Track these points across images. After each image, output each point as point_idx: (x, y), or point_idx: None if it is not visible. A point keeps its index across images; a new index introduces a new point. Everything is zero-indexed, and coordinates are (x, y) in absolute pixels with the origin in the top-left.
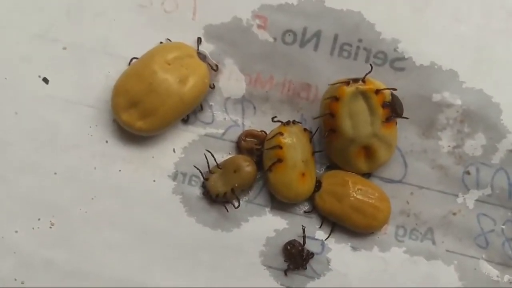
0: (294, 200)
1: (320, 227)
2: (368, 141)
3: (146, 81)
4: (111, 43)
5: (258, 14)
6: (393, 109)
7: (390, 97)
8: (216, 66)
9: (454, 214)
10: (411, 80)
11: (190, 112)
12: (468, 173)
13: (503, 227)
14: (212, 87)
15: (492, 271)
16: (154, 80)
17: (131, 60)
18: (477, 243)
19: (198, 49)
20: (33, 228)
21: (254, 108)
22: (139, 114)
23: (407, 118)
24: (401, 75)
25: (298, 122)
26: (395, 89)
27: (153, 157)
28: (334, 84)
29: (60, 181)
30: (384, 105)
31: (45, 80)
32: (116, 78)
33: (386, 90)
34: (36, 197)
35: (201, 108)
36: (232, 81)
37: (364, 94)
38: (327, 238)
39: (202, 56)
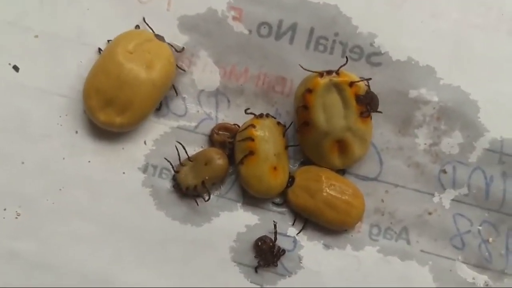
0: (265, 195)
1: (293, 224)
2: (342, 135)
3: (114, 75)
4: (85, 32)
5: (233, 5)
6: (368, 103)
7: (365, 91)
8: (181, 47)
9: (430, 213)
10: (388, 76)
11: (164, 96)
12: (444, 171)
13: (480, 228)
14: (183, 69)
15: (468, 273)
16: (121, 72)
17: (99, 50)
18: (453, 244)
19: (154, 33)
20: None
21: (228, 101)
22: (115, 110)
23: (381, 112)
24: (378, 70)
25: (271, 116)
26: (369, 79)
27: (123, 148)
28: (308, 75)
29: (28, 170)
30: (358, 98)
31: (16, 68)
32: (89, 68)
33: (361, 83)
34: (3, 186)
35: (175, 93)
36: (206, 73)
37: (337, 87)
38: (298, 233)
39: (161, 38)
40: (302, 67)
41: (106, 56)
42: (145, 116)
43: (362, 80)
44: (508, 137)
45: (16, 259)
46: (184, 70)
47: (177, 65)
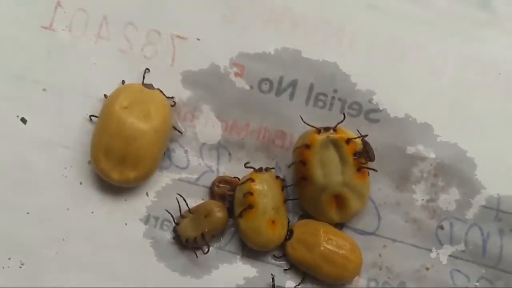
0: (263, 248)
1: (287, 269)
2: (340, 190)
3: (117, 133)
4: (91, 86)
5: (235, 62)
6: (365, 154)
7: (361, 145)
8: (173, 102)
9: (427, 269)
10: (386, 132)
11: (168, 142)
12: (441, 227)
13: (477, 284)
14: (180, 131)
15: None
16: (123, 129)
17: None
18: None
19: (143, 82)
20: (3, 267)
21: (230, 154)
22: (127, 167)
23: (376, 170)
24: (376, 127)
25: (271, 169)
26: (366, 135)
27: (126, 200)
28: (306, 131)
29: (32, 220)
30: (356, 154)
31: (23, 120)
32: (95, 121)
33: (358, 140)
34: (7, 236)
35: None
36: (208, 127)
37: (335, 143)
38: (296, 286)
39: (150, 86)
40: (302, 120)
41: (105, 116)
42: (156, 166)
43: (359, 137)
44: (505, 194)
45: None
46: (181, 132)
47: (173, 127)
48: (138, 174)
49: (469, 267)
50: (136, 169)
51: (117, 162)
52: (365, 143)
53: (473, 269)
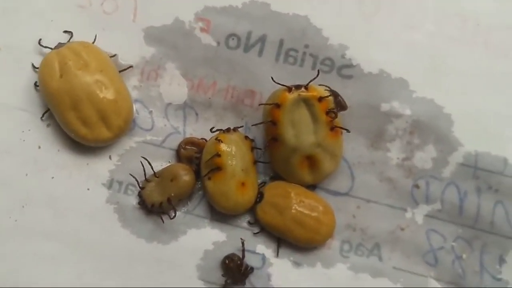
0: (233, 211)
1: (257, 233)
2: (312, 150)
3: (72, 99)
4: (49, 44)
5: (201, 16)
6: (337, 105)
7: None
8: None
9: (403, 229)
10: (359, 89)
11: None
12: (417, 186)
13: (454, 244)
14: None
15: None
16: (76, 93)
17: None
18: (426, 261)
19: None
20: None
21: (196, 114)
22: (99, 124)
23: (348, 131)
24: (349, 83)
25: (240, 127)
26: (336, 93)
27: (87, 164)
28: (276, 90)
29: None
30: (328, 112)
31: None
32: None
33: (330, 98)
34: None
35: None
36: (173, 86)
37: (306, 102)
38: (277, 255)
39: (61, 44)
40: (273, 80)
41: (49, 91)
42: (131, 113)
43: (330, 95)
44: (483, 151)
45: None
46: (131, 66)
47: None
48: (112, 130)
49: (445, 226)
50: (106, 126)
51: (84, 122)
52: (334, 94)
53: (450, 228)
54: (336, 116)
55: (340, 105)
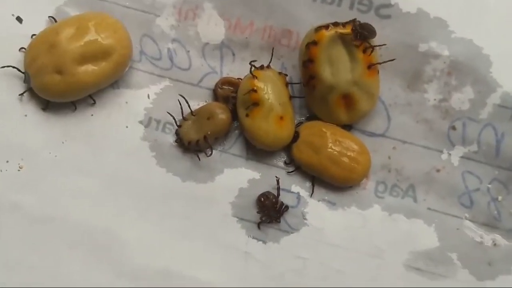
0: (272, 146)
1: (292, 171)
2: (349, 89)
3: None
4: None
5: None
6: (360, 31)
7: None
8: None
9: (438, 171)
10: (397, 29)
11: None
12: (454, 128)
13: (489, 186)
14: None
15: (475, 232)
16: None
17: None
18: (461, 202)
19: None
20: (0, 171)
21: (233, 54)
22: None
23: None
24: (387, 23)
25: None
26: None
27: (126, 102)
28: (313, 27)
29: (31, 123)
30: (353, 36)
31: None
32: None
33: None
34: (5, 139)
35: None
36: (210, 26)
37: (344, 39)
38: (312, 195)
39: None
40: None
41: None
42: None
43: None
44: None
45: (18, 212)
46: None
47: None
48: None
49: (481, 168)
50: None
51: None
52: (356, 22)
53: (486, 170)
54: (360, 39)
55: (367, 33)
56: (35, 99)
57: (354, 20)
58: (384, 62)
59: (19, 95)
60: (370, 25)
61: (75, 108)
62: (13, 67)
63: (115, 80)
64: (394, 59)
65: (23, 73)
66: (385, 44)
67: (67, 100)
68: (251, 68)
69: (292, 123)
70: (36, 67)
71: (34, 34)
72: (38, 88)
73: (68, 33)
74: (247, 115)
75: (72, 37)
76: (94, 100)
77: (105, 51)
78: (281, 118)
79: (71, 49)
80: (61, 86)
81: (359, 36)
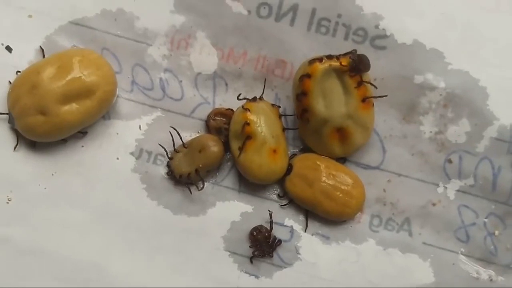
0: (266, 180)
1: (285, 205)
2: (343, 122)
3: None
4: None
5: None
6: (357, 65)
7: (351, 58)
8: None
9: (434, 204)
10: (393, 60)
11: None
12: (450, 161)
13: (486, 220)
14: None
15: (471, 267)
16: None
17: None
18: (457, 237)
19: None
20: None
21: (226, 84)
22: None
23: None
24: (382, 54)
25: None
26: (354, 50)
27: (117, 133)
28: (306, 60)
29: (19, 155)
30: (350, 67)
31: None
32: None
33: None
34: None
35: None
36: (203, 56)
37: (338, 72)
38: (306, 229)
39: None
40: (305, 60)
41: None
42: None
43: (348, 53)
44: None
45: (6, 244)
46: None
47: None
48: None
49: (478, 202)
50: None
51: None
52: (355, 54)
53: (482, 204)
54: (354, 71)
55: (362, 66)
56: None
57: (352, 52)
58: (379, 96)
59: (14, 149)
60: (366, 57)
61: (66, 141)
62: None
63: (101, 116)
64: (386, 95)
65: (6, 114)
66: (375, 80)
67: (54, 139)
68: (242, 99)
69: (285, 156)
70: (19, 108)
71: (19, 71)
72: (23, 129)
73: (50, 72)
74: (239, 148)
75: (53, 76)
76: (85, 132)
77: (89, 89)
78: (274, 151)
79: (53, 88)
80: (46, 127)
81: (354, 70)
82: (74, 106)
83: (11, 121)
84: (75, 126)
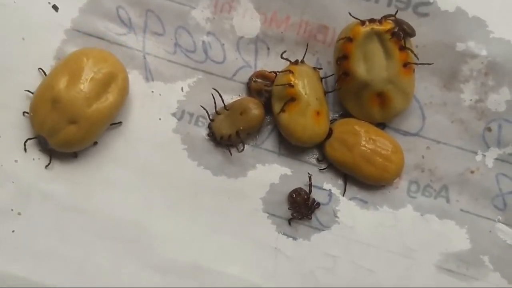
0: (309, 142)
1: (324, 169)
2: (383, 87)
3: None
4: None
5: None
6: (401, 31)
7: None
8: None
9: (472, 172)
10: (435, 27)
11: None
12: (489, 129)
13: None
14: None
15: (508, 234)
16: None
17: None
18: (494, 204)
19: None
20: (33, 159)
21: (268, 49)
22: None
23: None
24: (424, 21)
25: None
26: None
27: (160, 94)
28: (349, 23)
29: None
30: (392, 34)
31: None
32: None
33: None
34: None
35: None
36: (246, 20)
37: (380, 36)
38: (344, 193)
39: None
40: (350, 14)
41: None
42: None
43: (403, 30)
44: None
45: (49, 201)
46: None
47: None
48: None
49: None
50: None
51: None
52: (398, 22)
53: None
54: (400, 39)
55: (406, 32)
56: None
57: (395, 17)
58: (421, 63)
59: (45, 167)
60: (409, 23)
61: None
62: (28, 139)
63: (123, 104)
64: (432, 63)
65: (35, 138)
66: (417, 47)
67: (91, 143)
68: (285, 59)
69: (327, 119)
70: (48, 127)
71: (28, 90)
72: (58, 145)
73: (63, 82)
74: (283, 110)
75: (69, 84)
76: (119, 122)
77: (105, 83)
78: (318, 113)
79: (74, 95)
80: (80, 134)
81: (401, 31)
82: (99, 103)
83: (43, 143)
84: (106, 122)
